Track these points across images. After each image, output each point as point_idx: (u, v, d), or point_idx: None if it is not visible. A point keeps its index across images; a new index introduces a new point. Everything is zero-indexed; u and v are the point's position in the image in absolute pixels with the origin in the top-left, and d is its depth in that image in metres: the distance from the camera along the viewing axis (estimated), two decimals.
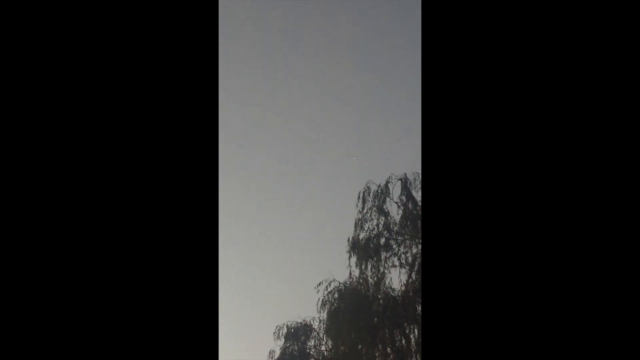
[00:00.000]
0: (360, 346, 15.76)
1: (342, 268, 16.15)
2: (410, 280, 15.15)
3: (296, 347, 18.21)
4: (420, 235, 15.31)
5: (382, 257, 15.45)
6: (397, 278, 15.45)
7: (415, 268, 15.11)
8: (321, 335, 18.07)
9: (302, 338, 18.53)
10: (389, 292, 15.60)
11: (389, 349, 15.96)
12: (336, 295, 16.37)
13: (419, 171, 15.87)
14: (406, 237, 15.58)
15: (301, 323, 18.51)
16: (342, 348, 16.15)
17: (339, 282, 16.45)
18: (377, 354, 16.18)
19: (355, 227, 15.81)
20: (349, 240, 15.73)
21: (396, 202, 15.77)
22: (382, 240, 15.59)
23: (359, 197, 15.93)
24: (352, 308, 15.54)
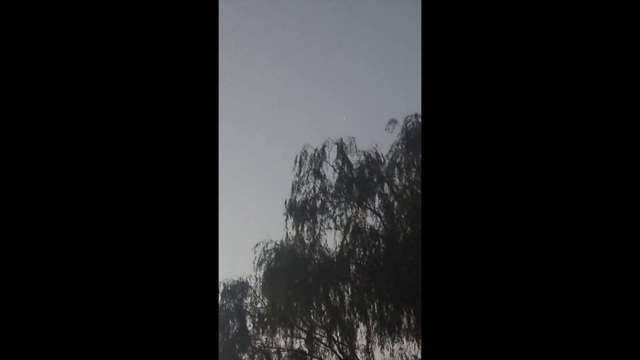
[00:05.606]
0: (295, 304, 16.30)
1: (279, 230, 16.53)
2: (344, 242, 15.66)
3: (233, 304, 18.51)
4: (355, 197, 15.82)
5: (318, 219, 15.86)
6: (332, 239, 15.97)
7: (350, 230, 15.64)
8: (258, 293, 18.46)
9: (239, 295, 18.81)
10: (325, 253, 16.13)
11: (323, 307, 16.55)
12: (273, 255, 16.77)
13: (355, 136, 16.37)
14: (341, 199, 16.01)
15: (238, 281, 18.79)
16: (278, 306, 16.64)
17: (276, 243, 16.85)
18: (311, 311, 16.76)
19: (292, 189, 16.17)
20: (286, 202, 16.08)
21: (332, 166, 16.15)
22: (318, 203, 15.98)
23: (296, 161, 16.28)
24: (288, 268, 15.99)
